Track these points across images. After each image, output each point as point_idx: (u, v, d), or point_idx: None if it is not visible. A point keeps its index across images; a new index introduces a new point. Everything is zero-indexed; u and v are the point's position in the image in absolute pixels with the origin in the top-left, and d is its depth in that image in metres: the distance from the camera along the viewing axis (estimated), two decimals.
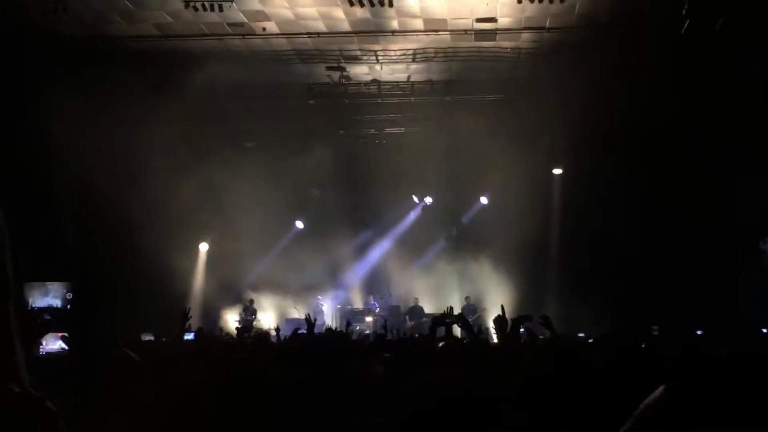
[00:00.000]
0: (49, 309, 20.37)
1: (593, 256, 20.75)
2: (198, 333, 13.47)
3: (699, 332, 11.17)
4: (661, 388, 1.97)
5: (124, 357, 4.57)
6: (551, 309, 17.66)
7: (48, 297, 20.93)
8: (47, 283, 21.09)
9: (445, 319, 7.61)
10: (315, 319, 7.92)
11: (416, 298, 23.22)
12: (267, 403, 2.21)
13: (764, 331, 15.57)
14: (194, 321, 20.94)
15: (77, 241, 20.46)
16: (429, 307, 22.50)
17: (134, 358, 4.63)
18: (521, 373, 2.97)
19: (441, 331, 10.51)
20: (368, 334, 17.69)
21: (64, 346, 17.38)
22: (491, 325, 21.76)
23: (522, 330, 9.25)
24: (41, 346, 15.99)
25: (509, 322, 6.72)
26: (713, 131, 18.59)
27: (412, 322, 22.13)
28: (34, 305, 20.45)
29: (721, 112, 18.22)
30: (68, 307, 20.78)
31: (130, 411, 3.24)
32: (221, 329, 20.16)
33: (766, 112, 17.54)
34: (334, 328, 18.29)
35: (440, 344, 7.10)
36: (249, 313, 22.62)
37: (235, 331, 18.95)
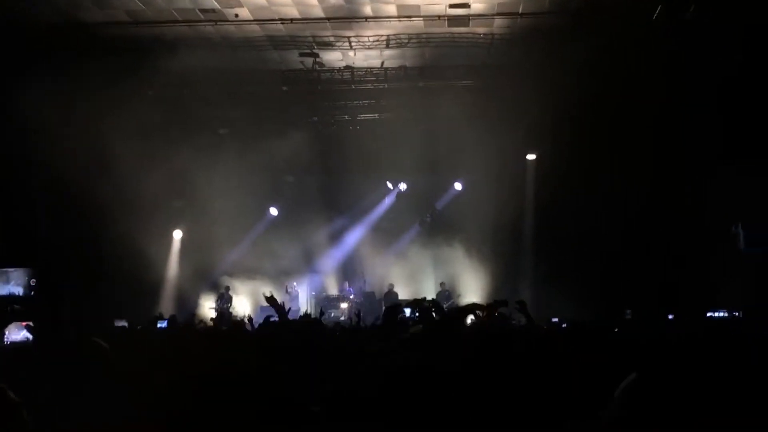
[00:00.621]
0: (11, 297, 20.01)
1: (567, 242, 20.83)
2: (171, 321, 13.41)
3: (670, 317, 11.27)
4: (633, 374, 2.00)
5: (95, 346, 4.53)
6: (526, 294, 17.83)
7: (9, 285, 20.56)
8: (8, 269, 20.74)
9: (398, 308, 7.56)
10: (290, 308, 7.85)
11: (391, 284, 23.19)
12: (236, 393, 2.21)
13: (736, 314, 15.78)
14: (168, 308, 21.04)
15: (47, 227, 20.26)
16: (404, 293, 22.51)
17: (105, 347, 4.59)
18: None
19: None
20: (342, 322, 17.67)
21: (28, 335, 17.20)
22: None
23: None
24: (5, 336, 15.85)
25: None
26: (687, 119, 18.72)
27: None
28: None
29: (696, 99, 18.35)
30: (32, 294, 20.38)
31: (100, 401, 3.22)
32: (196, 316, 20.10)
33: (740, 100, 17.70)
34: (309, 314, 18.24)
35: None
36: (224, 300, 22.55)
37: (209, 319, 18.94)
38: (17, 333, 17.57)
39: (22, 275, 20.68)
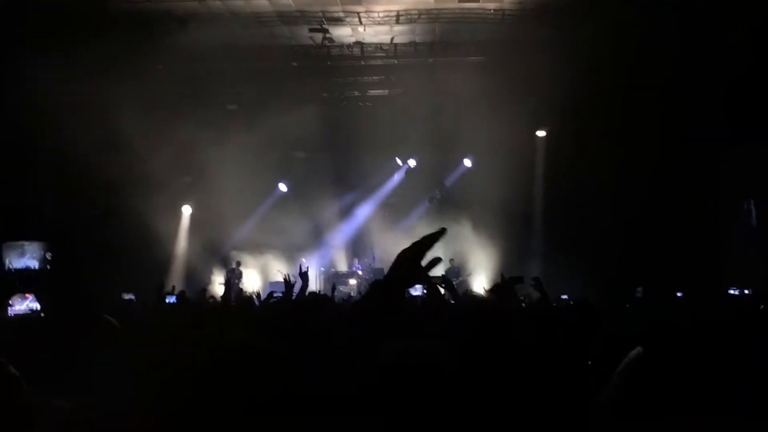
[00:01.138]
0: (26, 270, 20.10)
1: (577, 219, 20.75)
2: (180, 296, 13.38)
3: (679, 294, 11.25)
4: (637, 349, 1.96)
5: (104, 323, 4.53)
6: (535, 271, 17.79)
7: (25, 257, 20.65)
8: (24, 243, 20.81)
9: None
10: (294, 282, 7.78)
11: None
12: (235, 369, 2.19)
13: (746, 292, 15.73)
14: (178, 283, 21.09)
15: (57, 202, 20.32)
16: None
17: (115, 324, 4.59)
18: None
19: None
20: (351, 297, 17.70)
21: (32, 306, 17.35)
22: (476, 288, 21.88)
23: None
24: (9, 308, 15.90)
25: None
26: (698, 96, 18.62)
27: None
28: (11, 266, 20.21)
29: (706, 78, 18.25)
30: (47, 267, 20.50)
31: (107, 377, 3.22)
32: (206, 291, 20.15)
33: (747, 80, 17.61)
34: (318, 291, 18.26)
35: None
36: (234, 275, 22.60)
37: (218, 294, 18.99)
38: (20, 304, 17.70)
39: (37, 249, 20.74)
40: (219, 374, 2.11)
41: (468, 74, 20.48)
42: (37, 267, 20.54)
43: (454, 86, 20.64)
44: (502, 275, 7.17)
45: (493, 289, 7.82)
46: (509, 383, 2.36)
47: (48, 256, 20.67)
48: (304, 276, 7.59)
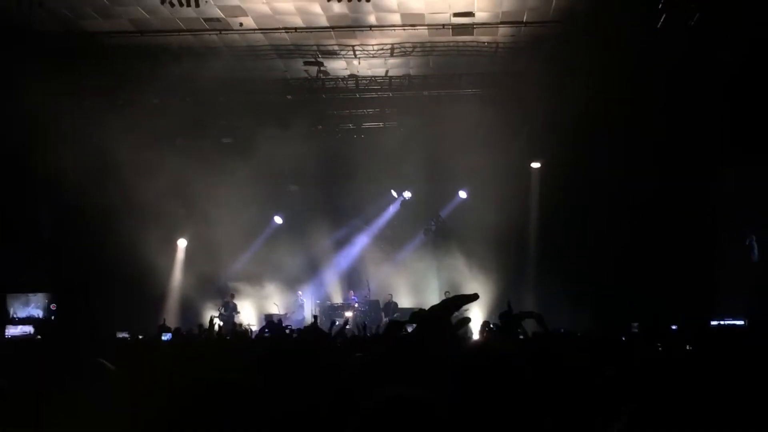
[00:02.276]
0: (32, 319, 20.21)
1: (572, 251, 20.73)
2: (175, 333, 13.36)
3: (674, 327, 11.24)
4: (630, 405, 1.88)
5: (99, 367, 4.47)
6: (531, 304, 17.73)
7: (29, 307, 20.74)
8: (30, 294, 20.96)
9: (402, 325, 7.30)
10: (283, 321, 7.76)
11: (389, 294, 23.14)
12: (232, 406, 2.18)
13: (740, 323, 15.70)
14: (173, 319, 21.02)
15: (55, 242, 20.35)
16: (408, 302, 22.47)
17: (110, 368, 4.53)
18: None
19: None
20: (345, 329, 17.61)
21: (26, 330, 17.37)
22: (472, 320, 21.85)
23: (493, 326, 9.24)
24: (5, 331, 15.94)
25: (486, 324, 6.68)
26: (694, 124, 18.66)
27: (387, 319, 22.14)
28: (15, 315, 20.29)
29: (702, 105, 18.31)
30: (51, 318, 20.56)
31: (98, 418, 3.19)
32: (201, 327, 20.06)
33: (745, 105, 17.65)
34: (314, 317, 18.17)
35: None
36: (229, 309, 22.49)
37: (213, 326, 18.93)
38: (15, 328, 17.66)
39: (41, 299, 20.88)
40: (206, 414, 2.10)
41: (462, 106, 20.62)
42: (41, 316, 20.61)
43: (449, 118, 20.74)
44: (509, 303, 7.10)
45: (486, 326, 7.82)
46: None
47: (52, 306, 20.70)
48: (274, 325, 7.53)
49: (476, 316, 21.95)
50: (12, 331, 16.94)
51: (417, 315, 7.03)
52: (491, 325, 8.58)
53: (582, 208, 20.54)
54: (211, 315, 20.36)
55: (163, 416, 2.24)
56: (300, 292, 23.63)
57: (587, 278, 19.99)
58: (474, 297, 2.60)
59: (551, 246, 21.68)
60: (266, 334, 7.73)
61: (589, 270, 20.10)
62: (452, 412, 2.22)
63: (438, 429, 1.97)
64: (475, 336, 16.89)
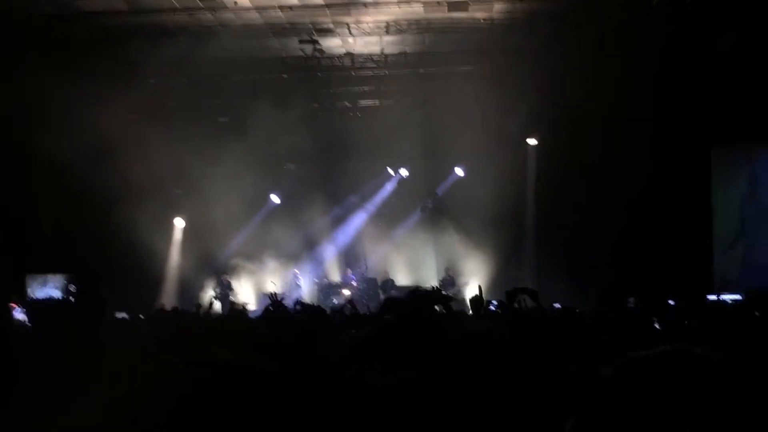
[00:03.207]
0: (51, 300, 20.16)
1: (570, 227, 20.73)
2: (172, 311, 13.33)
3: (671, 302, 11.25)
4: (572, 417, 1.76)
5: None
6: (528, 281, 17.79)
7: (47, 287, 20.74)
8: (48, 275, 21.04)
9: (398, 302, 7.38)
10: (282, 298, 7.73)
11: (386, 272, 23.23)
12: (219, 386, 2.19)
13: (738, 298, 15.73)
14: (171, 298, 21.03)
15: (54, 226, 20.37)
16: (405, 279, 22.52)
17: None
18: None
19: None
20: (343, 308, 17.63)
21: (20, 317, 17.37)
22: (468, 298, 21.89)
23: (495, 303, 9.29)
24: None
25: (485, 302, 6.76)
26: (688, 102, 18.68)
27: (384, 296, 22.22)
28: (33, 295, 20.27)
29: (695, 82, 18.33)
30: (70, 298, 20.47)
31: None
32: (198, 306, 20.07)
33: (741, 84, 17.70)
34: (312, 302, 18.19)
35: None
36: (225, 288, 22.53)
37: (210, 305, 18.92)
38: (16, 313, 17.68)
39: (60, 279, 20.87)
40: (204, 391, 2.12)
41: (458, 83, 20.57)
42: (59, 296, 20.57)
43: (445, 95, 20.71)
44: (480, 288, 7.20)
45: (476, 299, 7.86)
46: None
47: (71, 288, 20.65)
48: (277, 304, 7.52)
49: (473, 294, 22.09)
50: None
51: (414, 293, 7.11)
52: (491, 304, 8.63)
53: (579, 185, 20.57)
54: (211, 296, 20.43)
55: (161, 398, 2.25)
56: (296, 271, 23.59)
57: (585, 255, 20.01)
58: (449, 299, 2.60)
59: (548, 223, 21.71)
60: (270, 309, 7.72)
61: (587, 246, 20.14)
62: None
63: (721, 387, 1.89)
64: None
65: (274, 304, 7.30)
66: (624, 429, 1.36)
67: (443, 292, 7.43)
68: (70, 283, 20.77)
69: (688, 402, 1.40)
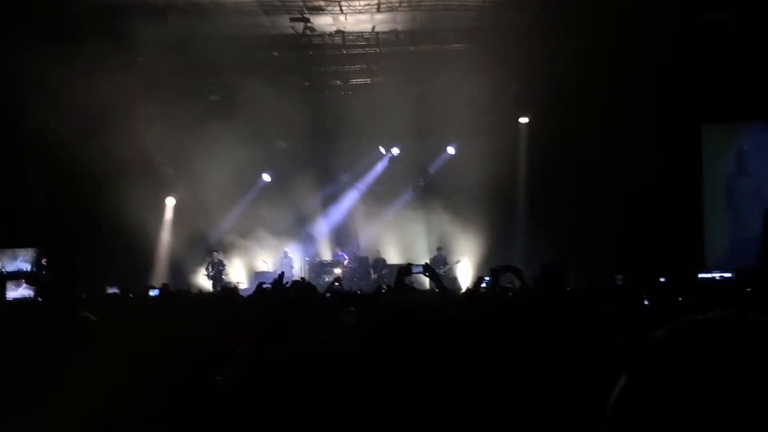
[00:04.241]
0: (21, 273, 20.18)
1: (560, 205, 20.80)
2: (163, 289, 13.36)
3: (662, 279, 11.33)
4: (623, 378, 1.76)
5: (83, 320, 4.47)
6: (518, 259, 17.84)
7: (17, 261, 20.76)
8: (18, 249, 21.03)
9: (410, 269, 7.55)
10: (282, 272, 7.78)
11: (377, 251, 23.28)
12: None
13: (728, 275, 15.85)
14: (161, 276, 21.06)
15: (44, 201, 20.34)
16: (397, 259, 22.55)
17: (93, 320, 4.54)
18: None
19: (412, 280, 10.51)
20: (334, 287, 17.67)
21: (26, 293, 17.44)
22: (461, 276, 21.93)
23: (487, 279, 9.34)
24: (7, 293, 15.98)
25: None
26: (681, 80, 18.72)
27: (375, 275, 22.25)
28: (3, 269, 20.29)
29: (690, 58, 18.36)
30: (42, 272, 20.52)
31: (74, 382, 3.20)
32: (189, 285, 20.13)
33: (735, 60, 17.75)
34: (302, 278, 18.19)
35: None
36: (217, 266, 22.53)
37: (205, 286, 18.98)
38: (15, 290, 17.68)
39: (30, 253, 20.88)
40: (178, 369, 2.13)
41: (450, 62, 20.55)
42: (29, 269, 20.58)
43: (437, 74, 20.68)
44: (496, 268, 7.26)
45: (479, 281, 7.97)
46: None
47: (43, 261, 20.67)
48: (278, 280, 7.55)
49: (467, 270, 22.26)
50: (12, 293, 16.93)
51: (428, 266, 7.20)
52: (483, 280, 8.71)
53: (570, 163, 20.63)
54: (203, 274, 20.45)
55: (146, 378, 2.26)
56: (286, 250, 23.57)
57: (575, 233, 20.09)
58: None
59: (539, 201, 21.81)
60: (265, 286, 7.77)
61: (578, 224, 20.23)
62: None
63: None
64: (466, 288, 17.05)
65: (276, 283, 7.35)
66: (677, 393, 1.36)
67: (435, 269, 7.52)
68: (41, 256, 20.76)
69: (744, 367, 1.40)
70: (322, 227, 24.50)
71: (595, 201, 20.20)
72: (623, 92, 19.06)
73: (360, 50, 21.88)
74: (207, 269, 22.43)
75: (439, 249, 22.76)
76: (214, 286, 21.53)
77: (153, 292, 13.38)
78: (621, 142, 19.79)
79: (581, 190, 20.37)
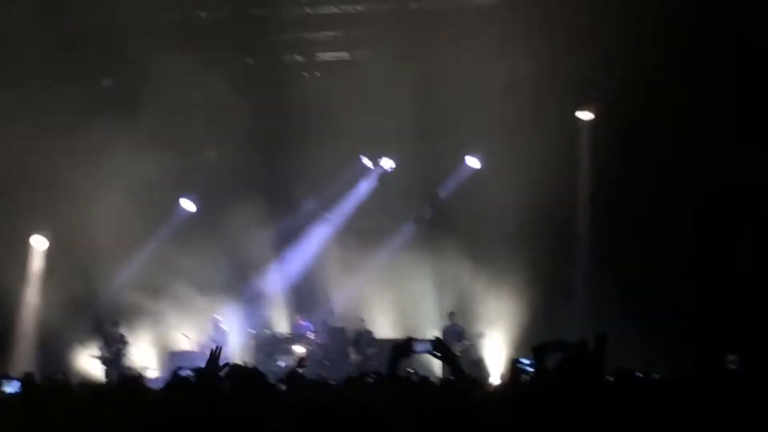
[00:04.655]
0: None
1: (640, 247, 20.82)
2: (26, 380, 13.25)
3: None
4: None
5: None
6: (578, 331, 17.86)
7: None
8: None
9: (411, 346, 7.52)
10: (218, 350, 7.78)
11: (361, 320, 23.18)
12: None
13: None
14: (24, 361, 21.01)
15: None
16: (390, 331, 22.49)
17: None
18: None
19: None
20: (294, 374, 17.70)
21: None
22: (488, 357, 21.96)
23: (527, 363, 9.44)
24: None
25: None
26: None
27: (357, 356, 22.18)
28: None
29: None
30: None
31: None
32: (69, 372, 20.08)
33: None
34: (244, 363, 18.19)
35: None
36: (115, 344, 22.47)
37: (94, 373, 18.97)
38: None
39: None
40: None
41: (471, 26, 20.64)
42: None
43: (451, 46, 20.76)
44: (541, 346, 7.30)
45: (514, 365, 8.04)
46: None
47: None
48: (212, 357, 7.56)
49: (498, 348, 22.19)
50: None
51: (439, 342, 7.29)
52: (520, 364, 8.76)
53: (654, 180, 20.66)
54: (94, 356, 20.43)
55: None
56: (219, 317, 23.48)
57: (660, 290, 20.09)
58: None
59: (608, 240, 21.74)
60: (184, 374, 7.75)
61: (663, 277, 20.22)
62: None
63: None
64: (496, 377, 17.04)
65: (211, 361, 7.33)
66: None
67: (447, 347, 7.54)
68: None
69: None
70: (276, 282, 24.50)
71: (693, 237, 20.23)
72: (717, 79, 19.27)
73: (332, 8, 22.01)
74: (98, 348, 22.37)
75: (452, 315, 22.60)
76: (108, 373, 21.47)
77: (9, 386, 13.37)
78: (724, 146, 19.91)
79: (669, 223, 20.38)
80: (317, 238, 24.64)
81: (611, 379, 8.50)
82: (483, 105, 20.44)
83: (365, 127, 22.37)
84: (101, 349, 22.35)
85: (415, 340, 7.41)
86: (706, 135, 19.74)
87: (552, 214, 21.85)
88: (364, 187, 24.62)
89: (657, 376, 9.05)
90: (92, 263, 22.46)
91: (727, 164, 19.80)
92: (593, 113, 22.58)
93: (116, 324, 22.82)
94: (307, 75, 23.22)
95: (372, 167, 24.42)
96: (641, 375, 9.06)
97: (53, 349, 22.57)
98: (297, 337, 23.31)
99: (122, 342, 22.61)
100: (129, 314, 23.30)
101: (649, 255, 20.62)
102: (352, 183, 24.70)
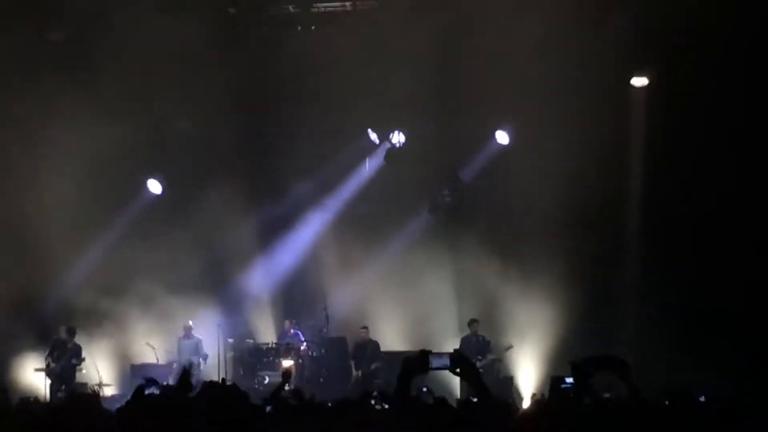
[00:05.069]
0: None
1: (699, 243, 20.93)
2: None
3: None
4: None
5: None
6: (625, 345, 18.07)
7: None
8: None
9: (426, 360, 7.61)
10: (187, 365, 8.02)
11: (364, 329, 23.35)
12: None
13: None
14: None
15: None
16: (399, 342, 22.61)
17: None
18: None
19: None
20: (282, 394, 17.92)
21: None
22: (519, 374, 22.15)
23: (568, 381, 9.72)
24: None
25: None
26: None
27: (359, 371, 22.59)
28: None
29: None
30: None
31: None
32: (10, 388, 20.31)
33: None
34: (223, 379, 18.40)
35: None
36: (66, 355, 22.62)
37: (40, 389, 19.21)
38: None
39: None
40: None
41: None
42: None
43: None
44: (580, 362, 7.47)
45: (558, 384, 8.24)
46: None
47: None
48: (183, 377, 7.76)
49: (530, 364, 22.27)
50: None
51: (459, 356, 7.49)
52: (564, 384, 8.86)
53: (720, 159, 20.78)
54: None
55: None
56: (190, 323, 23.49)
57: (728, 296, 20.24)
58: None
59: (664, 235, 21.86)
60: (150, 393, 7.92)
61: (728, 272, 20.37)
62: None
63: None
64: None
65: (182, 378, 7.54)
66: None
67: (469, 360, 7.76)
68: None
69: None
70: (260, 281, 24.72)
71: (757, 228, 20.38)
72: None
73: None
74: (45, 360, 22.53)
75: (474, 323, 22.78)
76: (52, 390, 21.64)
77: None
78: None
79: (738, 210, 20.48)
80: (311, 228, 24.81)
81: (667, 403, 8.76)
82: (516, 70, 20.61)
83: (370, 93, 22.53)
84: (48, 360, 22.50)
85: (430, 353, 7.46)
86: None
87: (596, 203, 22.09)
88: (371, 167, 24.77)
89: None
90: (37, 257, 22.60)
91: None
92: (648, 80, 22.70)
93: (68, 330, 22.96)
94: (300, 29, 23.29)
95: (378, 142, 24.55)
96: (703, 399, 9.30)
97: None
98: (285, 348, 23.38)
99: (74, 352, 22.73)
100: (82, 318, 23.44)
101: (713, 251, 20.74)
102: (353, 162, 24.82)
